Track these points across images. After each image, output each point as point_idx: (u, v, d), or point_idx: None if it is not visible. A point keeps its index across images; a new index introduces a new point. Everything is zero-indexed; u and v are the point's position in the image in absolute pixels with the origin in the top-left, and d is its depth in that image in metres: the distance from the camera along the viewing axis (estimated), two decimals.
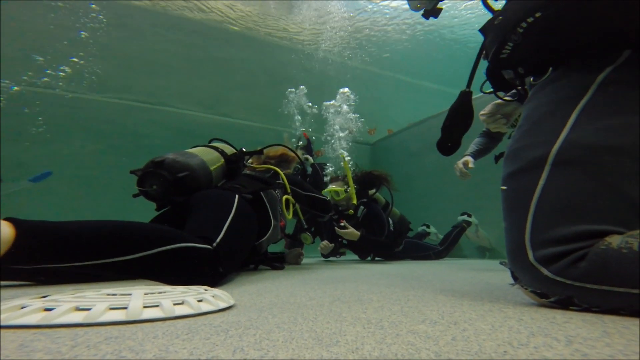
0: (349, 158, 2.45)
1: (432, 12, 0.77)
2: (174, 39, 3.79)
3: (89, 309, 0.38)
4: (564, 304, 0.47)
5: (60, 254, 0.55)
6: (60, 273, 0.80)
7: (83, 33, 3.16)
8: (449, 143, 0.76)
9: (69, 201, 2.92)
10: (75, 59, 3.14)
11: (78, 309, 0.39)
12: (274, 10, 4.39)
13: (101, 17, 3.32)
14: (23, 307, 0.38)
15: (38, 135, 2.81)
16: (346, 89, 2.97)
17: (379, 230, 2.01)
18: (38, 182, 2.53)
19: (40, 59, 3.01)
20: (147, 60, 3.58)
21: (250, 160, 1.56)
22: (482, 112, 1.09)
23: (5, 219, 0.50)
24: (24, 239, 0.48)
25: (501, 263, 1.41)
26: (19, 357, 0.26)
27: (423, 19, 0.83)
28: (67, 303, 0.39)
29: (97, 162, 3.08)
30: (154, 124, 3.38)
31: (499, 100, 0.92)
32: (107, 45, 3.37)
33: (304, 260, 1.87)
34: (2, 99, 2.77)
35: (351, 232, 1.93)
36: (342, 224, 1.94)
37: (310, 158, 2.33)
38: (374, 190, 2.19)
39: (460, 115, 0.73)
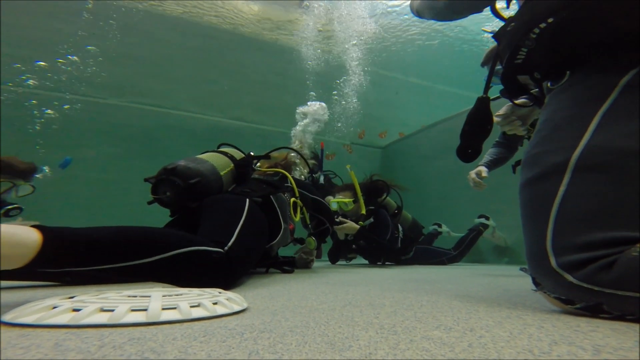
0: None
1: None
2: (188, 44, 3.91)
3: (112, 310, 0.40)
4: (592, 311, 0.45)
5: (83, 258, 0.58)
6: (83, 275, 0.83)
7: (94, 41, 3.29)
8: (469, 150, 0.75)
9: (88, 205, 3.04)
10: (89, 65, 3.28)
11: (102, 310, 0.41)
12: (285, 13, 4.47)
13: (113, 22, 3.46)
14: (54, 307, 0.41)
15: (56, 139, 2.95)
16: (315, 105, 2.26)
17: (381, 234, 1.97)
18: (64, 168, 2.68)
19: (61, 61, 3.17)
20: (162, 65, 3.71)
21: (258, 164, 1.58)
22: (496, 114, 1.07)
23: (33, 226, 0.53)
24: (50, 245, 0.52)
25: (521, 269, 1.36)
26: (55, 356, 0.28)
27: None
28: (93, 304, 0.41)
29: (115, 166, 3.20)
30: (169, 127, 3.48)
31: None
32: (124, 50, 3.51)
33: (314, 264, 1.87)
34: (30, 103, 2.93)
35: (349, 225, 1.89)
36: (337, 219, 1.90)
37: (322, 176, 2.28)
38: (383, 196, 2.16)
39: (479, 121, 0.72)
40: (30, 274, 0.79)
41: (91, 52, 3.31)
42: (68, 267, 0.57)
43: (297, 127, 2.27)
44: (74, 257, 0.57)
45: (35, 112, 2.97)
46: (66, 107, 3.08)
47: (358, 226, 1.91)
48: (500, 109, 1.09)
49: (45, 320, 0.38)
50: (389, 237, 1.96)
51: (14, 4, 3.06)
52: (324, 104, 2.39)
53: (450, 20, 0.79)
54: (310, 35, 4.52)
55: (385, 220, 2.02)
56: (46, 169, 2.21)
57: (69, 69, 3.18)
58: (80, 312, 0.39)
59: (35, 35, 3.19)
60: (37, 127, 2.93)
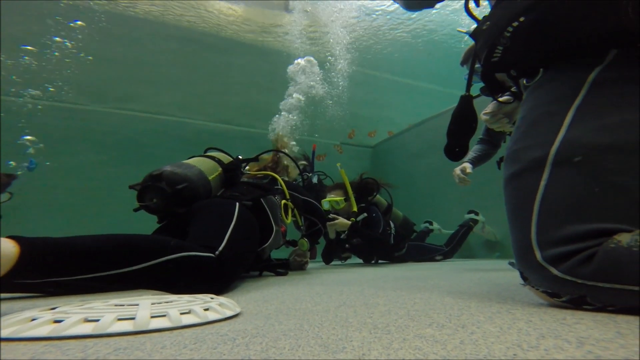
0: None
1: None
2: (172, 48, 3.84)
3: (97, 320, 0.39)
4: (576, 304, 0.47)
5: (66, 268, 0.56)
6: (67, 285, 0.80)
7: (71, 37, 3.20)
8: (456, 148, 0.77)
9: (72, 213, 2.94)
10: (70, 70, 3.18)
11: (87, 320, 0.39)
12: (271, 15, 4.45)
13: (99, 25, 3.36)
14: (33, 320, 0.39)
15: (41, 147, 2.84)
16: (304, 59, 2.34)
17: (374, 229, 2.00)
18: (32, 170, 2.60)
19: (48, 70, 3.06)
20: (146, 70, 3.62)
21: (247, 168, 1.57)
22: (484, 112, 1.10)
23: (9, 237, 0.51)
24: (28, 255, 0.50)
25: (509, 263, 1.39)
26: None
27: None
28: (76, 314, 0.40)
29: (100, 173, 3.10)
30: (155, 133, 3.41)
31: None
32: (107, 56, 3.42)
33: (308, 266, 1.86)
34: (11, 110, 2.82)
35: (341, 222, 1.92)
36: (330, 216, 1.93)
37: (314, 177, 2.28)
38: (374, 194, 2.18)
39: (464, 119, 0.74)
40: (8, 285, 0.76)
41: (72, 57, 3.21)
42: (49, 277, 0.55)
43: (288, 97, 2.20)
44: (55, 267, 0.55)
45: (18, 118, 2.85)
46: (40, 106, 2.96)
47: (349, 222, 1.92)
48: (485, 106, 1.12)
49: (22, 333, 0.36)
50: (381, 231, 1.98)
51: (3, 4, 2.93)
52: (311, 58, 2.33)
53: (410, 10, 0.81)
54: (297, 37, 4.51)
55: (377, 215, 2.05)
56: (12, 163, 2.12)
57: (38, 65, 3.05)
58: (62, 323, 0.37)
59: (19, 37, 3.07)
60: (27, 131, 2.81)
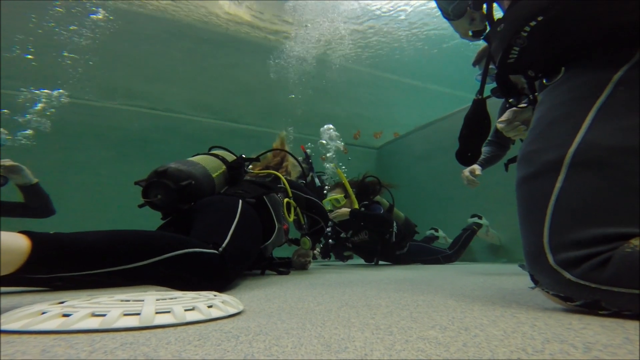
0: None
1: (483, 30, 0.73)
2: (181, 46, 3.89)
3: (104, 315, 0.39)
4: (591, 308, 0.46)
5: (74, 263, 0.57)
6: (75, 280, 0.82)
7: (84, 37, 3.25)
8: (468, 153, 0.75)
9: (81, 209, 2.99)
10: (81, 66, 3.24)
11: (94, 314, 0.40)
12: (277, 15, 4.47)
13: (108, 24, 3.41)
14: (43, 313, 0.40)
15: (49, 142, 2.89)
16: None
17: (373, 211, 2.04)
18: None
19: (54, 66, 3.12)
20: (155, 67, 3.68)
21: (250, 166, 1.58)
22: (499, 120, 1.07)
23: (21, 232, 0.52)
24: (39, 251, 0.51)
25: (520, 266, 1.37)
26: None
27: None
28: (84, 309, 0.41)
29: (108, 170, 3.15)
30: (162, 130, 3.45)
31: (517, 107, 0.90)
32: (116, 52, 3.47)
33: (311, 265, 1.86)
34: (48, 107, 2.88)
35: (341, 211, 1.95)
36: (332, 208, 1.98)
37: (316, 178, 2.30)
38: (375, 194, 2.19)
39: (477, 123, 0.72)
40: (19, 280, 0.78)
41: (83, 54, 3.27)
42: (58, 272, 0.56)
43: None
44: (65, 263, 0.56)
45: (27, 114, 2.91)
46: (52, 111, 3.02)
47: (348, 209, 1.96)
48: (496, 108, 1.09)
49: (32, 326, 0.37)
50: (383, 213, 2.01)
51: (5, 3, 3.00)
52: None
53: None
54: (305, 37, 4.52)
55: (377, 209, 2.08)
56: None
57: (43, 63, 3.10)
58: (70, 317, 0.38)
59: (27, 36, 3.13)
60: (29, 131, 2.87)
